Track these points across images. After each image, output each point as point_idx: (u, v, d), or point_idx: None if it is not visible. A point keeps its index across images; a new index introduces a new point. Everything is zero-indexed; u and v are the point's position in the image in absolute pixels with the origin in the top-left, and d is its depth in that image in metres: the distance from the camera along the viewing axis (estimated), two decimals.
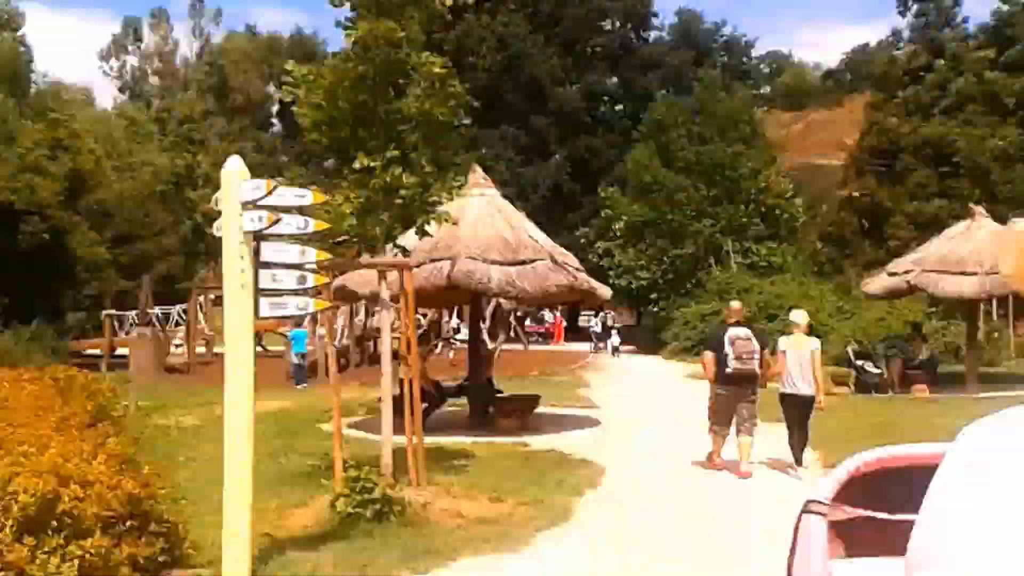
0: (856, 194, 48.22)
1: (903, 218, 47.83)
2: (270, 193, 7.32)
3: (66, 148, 37.29)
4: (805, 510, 2.14)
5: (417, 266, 16.07)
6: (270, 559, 7.93)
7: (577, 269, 17.55)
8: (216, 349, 35.73)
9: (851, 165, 53.40)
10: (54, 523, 6.66)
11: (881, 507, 2.18)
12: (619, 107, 60.01)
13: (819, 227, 51.77)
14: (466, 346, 33.81)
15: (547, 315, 53.76)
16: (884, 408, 20.71)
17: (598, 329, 46.30)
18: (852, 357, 25.19)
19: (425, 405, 16.72)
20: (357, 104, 10.62)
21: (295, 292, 7.88)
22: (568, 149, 55.08)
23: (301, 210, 7.89)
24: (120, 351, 36.29)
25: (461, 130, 13.36)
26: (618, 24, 59.42)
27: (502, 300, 24.71)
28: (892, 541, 1.89)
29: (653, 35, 62.32)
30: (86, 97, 78.67)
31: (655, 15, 61.09)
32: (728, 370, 12.50)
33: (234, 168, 7.59)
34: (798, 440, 12.80)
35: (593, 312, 52.27)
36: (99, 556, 6.63)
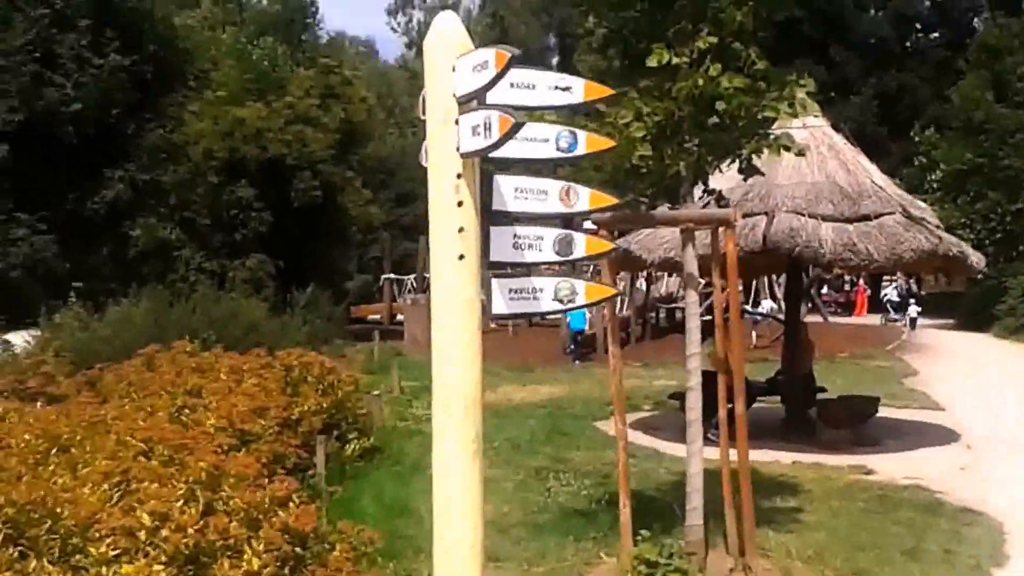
0: None
1: None
2: (503, 72, 4.00)
3: (337, 96, 35.39)
4: None
5: None
6: None
7: (936, 226, 13.50)
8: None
9: None
10: None
11: None
12: (935, 35, 53.45)
13: None
14: (759, 319, 30.46)
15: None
16: None
17: (895, 298, 41.19)
18: None
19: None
20: None
21: (554, 269, 4.65)
22: (874, 86, 49.32)
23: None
24: (401, 317, 36.01)
25: None
26: None
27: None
28: None
29: None
30: (368, 50, 79.60)
31: None
32: None
33: (446, 28, 4.37)
34: None
35: (890, 277, 46.88)
36: None
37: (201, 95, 32.16)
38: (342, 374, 11.37)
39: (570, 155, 4.56)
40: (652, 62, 7.27)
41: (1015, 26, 41.44)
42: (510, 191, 4.49)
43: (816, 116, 14.06)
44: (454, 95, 4.24)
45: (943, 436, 14.39)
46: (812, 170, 13.17)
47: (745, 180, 8.91)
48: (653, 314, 31.97)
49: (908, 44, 53.04)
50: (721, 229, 7.56)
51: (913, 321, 37.15)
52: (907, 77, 49.95)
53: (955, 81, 43.52)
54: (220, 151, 31.03)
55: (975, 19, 52.07)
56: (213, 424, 7.39)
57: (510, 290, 4.53)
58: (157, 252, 30.42)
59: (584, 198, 4.61)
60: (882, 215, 12.63)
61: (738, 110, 7.38)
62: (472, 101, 4.21)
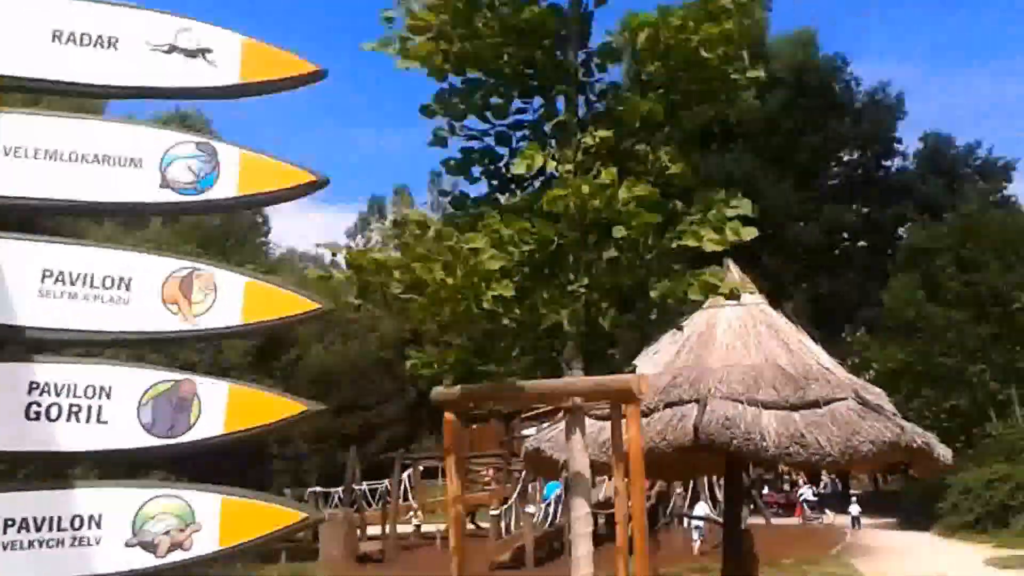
0: None
1: None
2: None
3: None
4: None
5: (644, 414, 9.94)
6: None
7: (893, 414, 10.87)
8: (427, 528, 30.52)
9: None
10: None
11: None
12: (862, 243, 52.54)
13: None
14: (700, 525, 27.18)
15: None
16: None
17: (811, 497, 38.51)
18: None
19: None
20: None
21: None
22: (807, 291, 47.84)
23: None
24: None
25: None
26: (857, 153, 52.33)
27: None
28: None
29: (897, 163, 54.73)
30: (315, 265, 79.04)
31: (898, 141, 53.38)
32: None
33: None
34: None
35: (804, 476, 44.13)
36: None
37: None
38: None
39: (199, 198, 1.88)
40: (519, 168, 4.67)
41: (942, 229, 40.66)
42: (30, 277, 1.76)
43: (752, 292, 11.63)
44: None
45: None
46: (750, 351, 10.57)
47: (673, 334, 6.17)
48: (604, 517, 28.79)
49: (837, 251, 51.97)
50: (631, 408, 4.81)
51: (856, 520, 34.53)
52: (837, 282, 48.73)
53: (883, 285, 42.35)
54: None
55: (899, 228, 51.39)
56: None
57: (7, 522, 1.75)
58: None
59: (232, 299, 1.91)
60: (833, 401, 9.95)
61: (644, 236, 4.73)
62: None
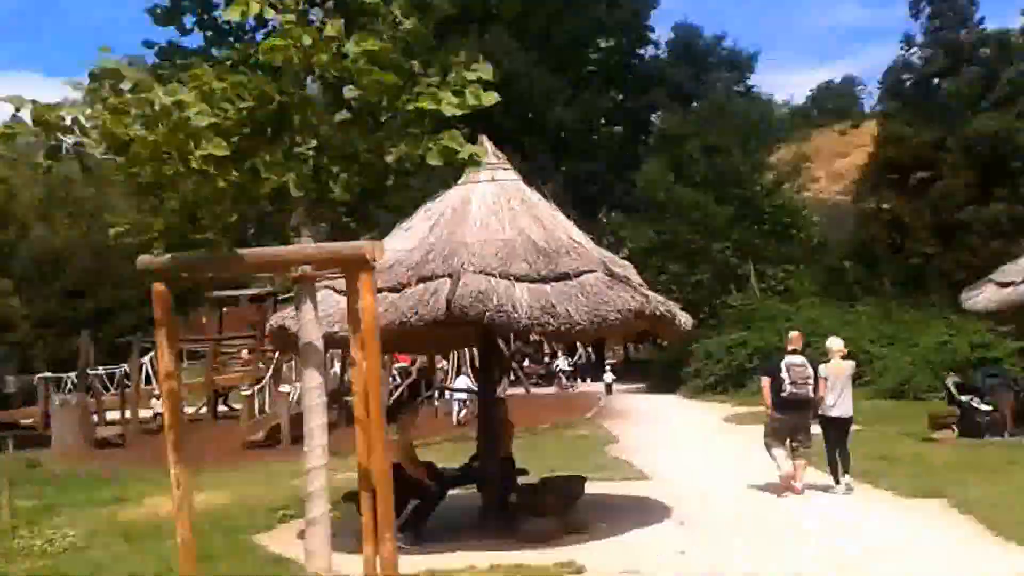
0: (886, 206, 41.33)
1: (928, 232, 40.60)
2: None
3: None
4: None
5: (396, 289, 9.68)
6: None
7: (639, 284, 11.04)
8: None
9: (866, 179, 46.54)
10: None
11: None
12: (618, 128, 53.63)
13: (837, 249, 45.00)
14: (463, 397, 27.38)
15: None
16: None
17: (566, 367, 39.95)
18: (954, 392, 18.55)
19: (415, 503, 10.48)
20: None
21: None
22: (564, 173, 48.54)
23: None
24: None
25: None
26: (613, 41, 52.91)
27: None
28: None
29: (650, 51, 55.86)
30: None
31: (651, 30, 54.39)
32: (784, 394, 12.17)
33: None
34: (842, 461, 12.52)
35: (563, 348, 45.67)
36: None
37: None
38: None
39: None
40: (232, 15, 4.14)
41: (691, 116, 42.03)
42: None
43: (507, 170, 11.47)
44: None
45: (654, 512, 11.81)
46: (503, 226, 10.42)
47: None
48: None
49: (594, 135, 52.81)
50: (364, 275, 4.46)
51: (609, 387, 36.12)
52: (593, 165, 49.66)
53: (636, 168, 43.55)
54: None
55: (651, 114, 52.80)
56: None
57: None
58: None
59: None
60: (583, 273, 9.98)
61: (378, 97, 4.33)
62: None
